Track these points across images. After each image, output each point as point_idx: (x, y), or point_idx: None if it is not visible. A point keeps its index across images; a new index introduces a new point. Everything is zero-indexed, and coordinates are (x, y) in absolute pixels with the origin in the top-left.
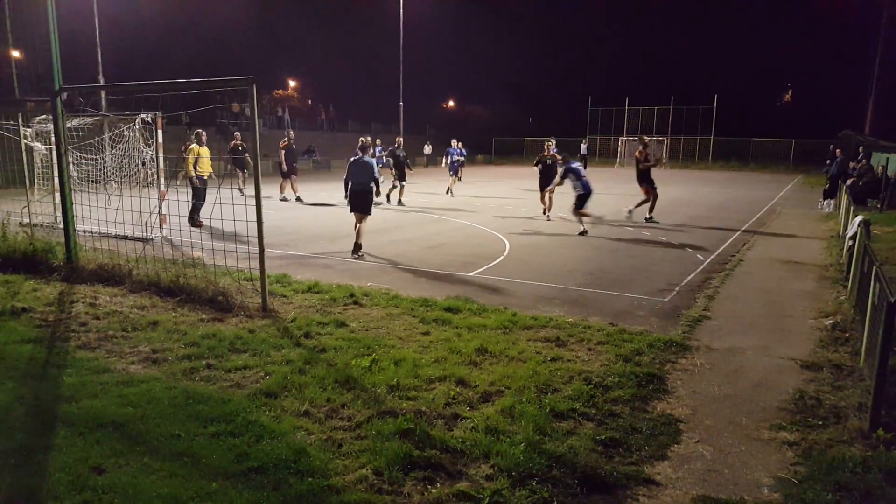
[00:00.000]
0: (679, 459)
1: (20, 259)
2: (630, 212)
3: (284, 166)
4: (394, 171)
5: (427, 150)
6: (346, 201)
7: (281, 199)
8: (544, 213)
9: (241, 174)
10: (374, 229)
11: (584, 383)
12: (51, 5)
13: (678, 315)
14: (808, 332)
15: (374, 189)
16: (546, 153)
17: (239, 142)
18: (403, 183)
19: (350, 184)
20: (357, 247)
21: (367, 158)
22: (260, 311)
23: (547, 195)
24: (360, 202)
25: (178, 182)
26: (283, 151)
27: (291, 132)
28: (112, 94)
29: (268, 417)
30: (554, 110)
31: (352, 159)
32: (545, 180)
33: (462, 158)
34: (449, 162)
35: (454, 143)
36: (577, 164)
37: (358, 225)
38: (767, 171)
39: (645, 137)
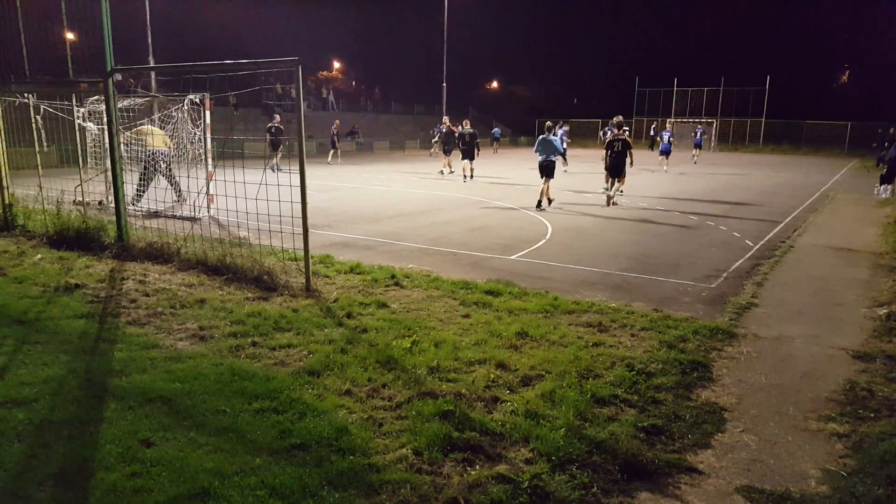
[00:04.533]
0: (723, 448)
1: (73, 236)
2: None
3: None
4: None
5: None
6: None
7: (449, 172)
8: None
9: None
10: (415, 211)
11: (627, 369)
12: None
13: (725, 302)
14: (860, 321)
15: (562, 159)
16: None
17: (276, 123)
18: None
19: (539, 156)
20: (549, 201)
21: (551, 137)
22: (303, 291)
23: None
24: (547, 169)
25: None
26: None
27: (446, 118)
28: (161, 75)
29: (310, 395)
30: (600, 91)
31: (540, 137)
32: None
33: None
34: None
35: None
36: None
37: (545, 186)
38: (821, 154)
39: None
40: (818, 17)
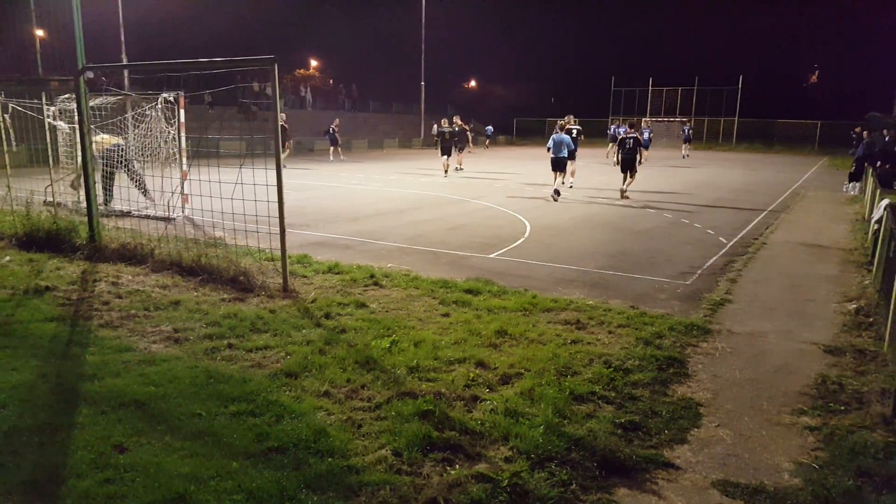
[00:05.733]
0: (699, 443)
1: (44, 238)
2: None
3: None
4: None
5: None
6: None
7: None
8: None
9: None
10: (394, 209)
11: (604, 366)
12: None
13: (700, 298)
14: (831, 316)
15: (570, 155)
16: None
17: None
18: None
19: (551, 152)
20: (557, 192)
21: (562, 136)
22: (281, 292)
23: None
24: (559, 164)
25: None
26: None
27: (457, 117)
28: (135, 73)
29: (288, 397)
30: (576, 90)
31: (553, 136)
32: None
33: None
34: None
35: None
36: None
37: (557, 179)
38: (792, 153)
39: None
40: (789, 18)
